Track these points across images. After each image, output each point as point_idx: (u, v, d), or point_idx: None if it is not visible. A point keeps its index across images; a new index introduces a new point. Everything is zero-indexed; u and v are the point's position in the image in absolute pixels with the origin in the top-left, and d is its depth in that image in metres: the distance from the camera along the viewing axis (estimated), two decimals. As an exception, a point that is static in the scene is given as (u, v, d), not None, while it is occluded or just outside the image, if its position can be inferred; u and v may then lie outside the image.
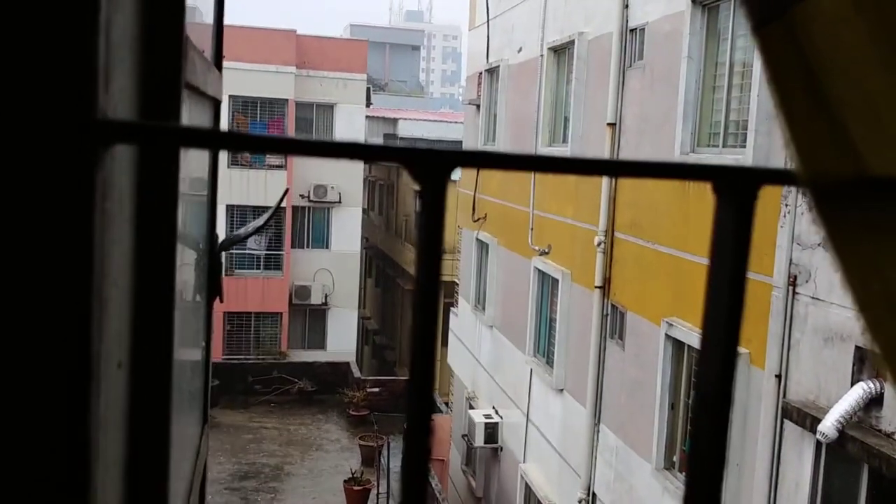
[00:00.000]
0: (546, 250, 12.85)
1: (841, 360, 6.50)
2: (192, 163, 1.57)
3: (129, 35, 0.72)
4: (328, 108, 27.69)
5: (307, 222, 27.88)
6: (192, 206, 1.65)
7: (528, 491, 13.46)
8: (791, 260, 7.10)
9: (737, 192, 0.55)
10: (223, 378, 23.56)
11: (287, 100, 26.67)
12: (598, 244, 10.84)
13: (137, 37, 0.77)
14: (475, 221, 16.42)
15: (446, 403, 20.86)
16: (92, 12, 0.54)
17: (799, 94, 0.51)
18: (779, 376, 7.20)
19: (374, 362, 30.92)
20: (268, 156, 26.46)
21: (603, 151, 10.84)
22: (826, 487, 6.73)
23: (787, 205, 7.19)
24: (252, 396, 24.48)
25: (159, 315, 0.89)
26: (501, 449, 14.99)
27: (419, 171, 0.50)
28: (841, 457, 6.47)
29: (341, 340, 27.90)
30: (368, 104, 28.87)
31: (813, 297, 6.86)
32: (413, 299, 0.50)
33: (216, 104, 1.96)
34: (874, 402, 6.15)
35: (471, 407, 16.45)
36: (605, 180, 10.72)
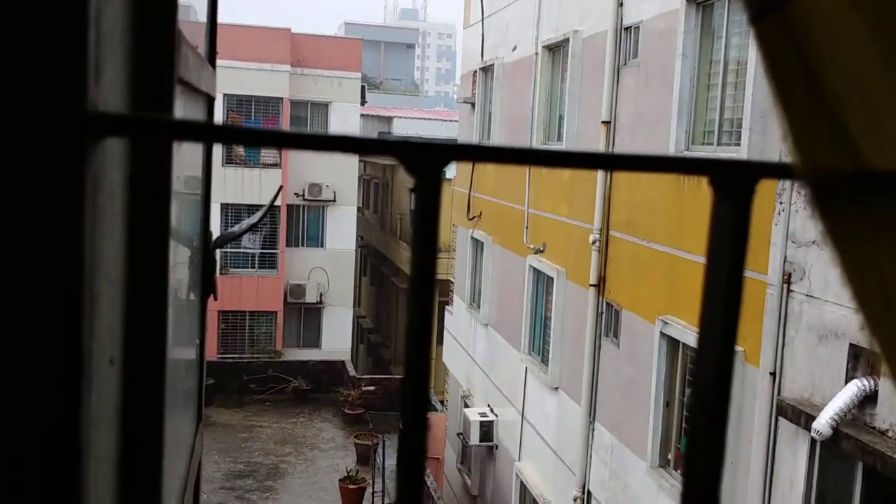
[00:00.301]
0: (541, 248, 12.85)
1: (835, 357, 6.51)
2: (186, 160, 1.56)
3: (120, 27, 0.71)
4: (323, 107, 27.67)
5: (302, 221, 27.85)
6: (186, 203, 1.64)
7: (524, 489, 13.47)
8: (786, 258, 7.11)
9: (734, 186, 0.55)
10: (218, 377, 23.53)
11: (282, 98, 26.65)
12: (593, 242, 10.84)
13: (129, 30, 0.76)
14: (470, 220, 16.42)
15: (441, 402, 20.87)
16: (82, 3, 0.54)
17: (797, 89, 0.50)
18: (773, 374, 7.22)
19: (369, 361, 30.91)
20: (262, 154, 26.45)
21: (597, 149, 10.85)
22: (821, 485, 6.74)
23: (781, 202, 7.20)
24: (247, 395, 24.46)
25: (152, 311, 0.88)
26: (496, 447, 15.00)
27: (414, 165, 0.50)
28: (835, 454, 6.49)
29: (336, 339, 27.89)
30: (363, 103, 28.86)
31: (807, 295, 6.87)
32: (408, 298, 0.50)
33: (210, 101, 1.96)
34: (868, 399, 6.16)
35: (466, 405, 16.45)
36: (599, 179, 10.73)
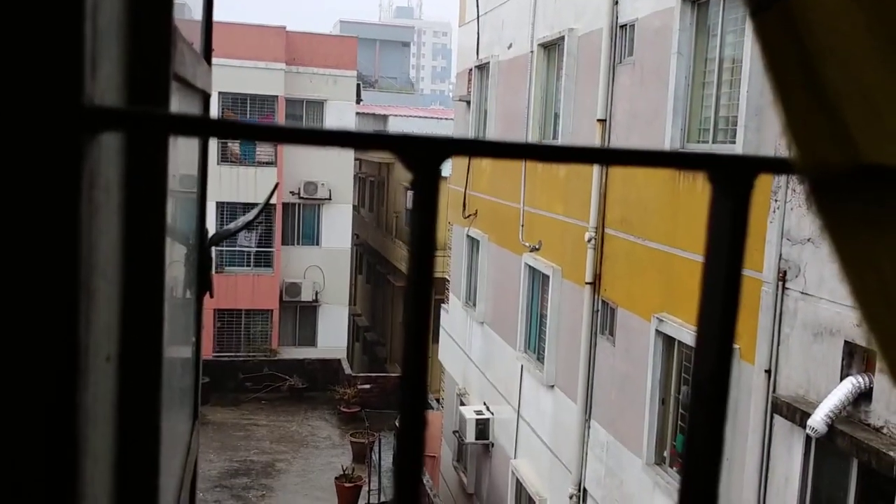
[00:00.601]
0: (537, 246, 12.86)
1: (830, 354, 6.53)
2: (182, 158, 1.56)
3: (116, 22, 0.71)
4: (318, 105, 27.65)
5: (298, 219, 27.84)
6: (182, 201, 1.64)
7: (520, 487, 13.48)
8: (781, 255, 7.12)
9: (733, 181, 0.55)
10: (214, 375, 23.51)
11: (277, 96, 26.63)
12: (589, 240, 10.85)
13: (125, 25, 0.76)
14: (466, 218, 16.42)
15: (437, 400, 20.88)
16: (78, -3, 0.53)
17: (796, 83, 0.50)
18: (769, 371, 7.23)
19: (365, 359, 30.91)
20: (258, 153, 26.41)
21: (600, 146, 10.83)
22: (816, 482, 6.76)
23: (776, 200, 7.21)
24: (243, 394, 24.45)
25: (149, 308, 0.88)
26: (492, 445, 15.01)
27: (412, 160, 0.50)
28: (830, 451, 6.50)
29: (332, 337, 27.89)
30: (358, 101, 28.84)
31: (802, 293, 6.89)
32: (405, 299, 0.50)
33: (205, 97, 1.95)
34: (863, 396, 6.18)
35: (462, 403, 16.46)
36: (595, 176, 10.74)
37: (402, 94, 65.50)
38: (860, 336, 6.07)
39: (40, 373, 0.54)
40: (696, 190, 8.43)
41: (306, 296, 27.34)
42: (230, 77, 25.05)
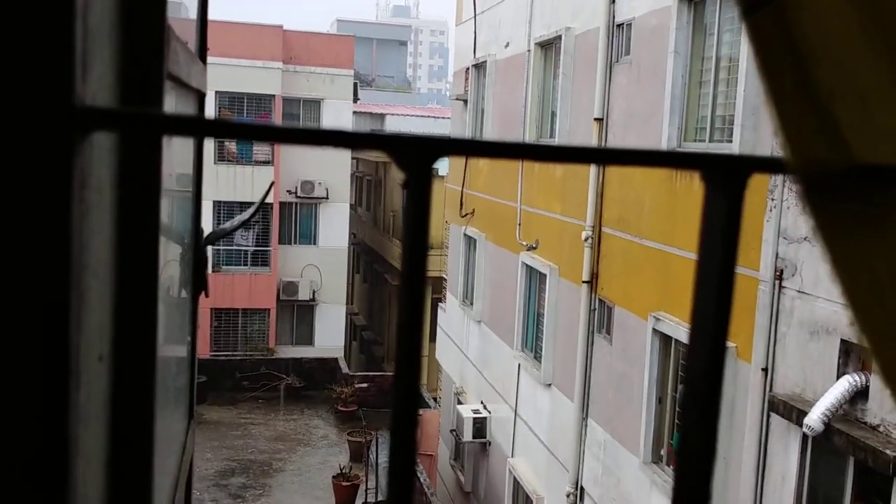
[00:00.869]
0: (534, 245, 12.87)
1: (827, 353, 6.54)
2: (177, 157, 1.56)
3: (108, 22, 0.71)
4: (315, 104, 27.64)
5: (294, 218, 27.83)
6: (177, 200, 1.63)
7: (517, 485, 13.49)
8: (777, 254, 7.13)
9: (727, 180, 0.55)
10: (211, 374, 23.50)
11: (274, 95, 26.61)
12: (586, 239, 10.85)
13: (117, 25, 0.76)
14: (463, 217, 16.42)
15: (434, 399, 20.88)
16: (68, -4, 0.53)
17: (789, 83, 0.50)
18: (765, 370, 7.24)
19: (362, 358, 30.91)
20: (254, 152, 26.40)
21: (594, 145, 10.84)
22: (812, 480, 6.77)
23: (773, 199, 7.22)
24: (240, 393, 24.43)
25: (142, 308, 0.88)
26: (490, 443, 15.02)
27: (405, 160, 0.50)
28: (827, 449, 6.52)
29: (329, 336, 27.88)
30: (355, 100, 28.83)
31: (799, 291, 6.90)
32: (399, 295, 0.50)
33: (201, 97, 1.95)
34: (860, 394, 6.19)
35: (459, 402, 16.46)
36: (592, 175, 10.74)
37: (399, 93, 65.48)
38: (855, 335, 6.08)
39: (31, 373, 0.54)
40: (693, 189, 8.44)
41: (303, 295, 27.33)
42: (227, 76, 25.03)
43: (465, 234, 16.57)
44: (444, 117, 32.03)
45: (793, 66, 0.48)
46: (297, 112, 27.53)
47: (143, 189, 0.84)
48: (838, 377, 6.33)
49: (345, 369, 25.35)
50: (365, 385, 23.66)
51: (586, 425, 11.08)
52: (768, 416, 7.18)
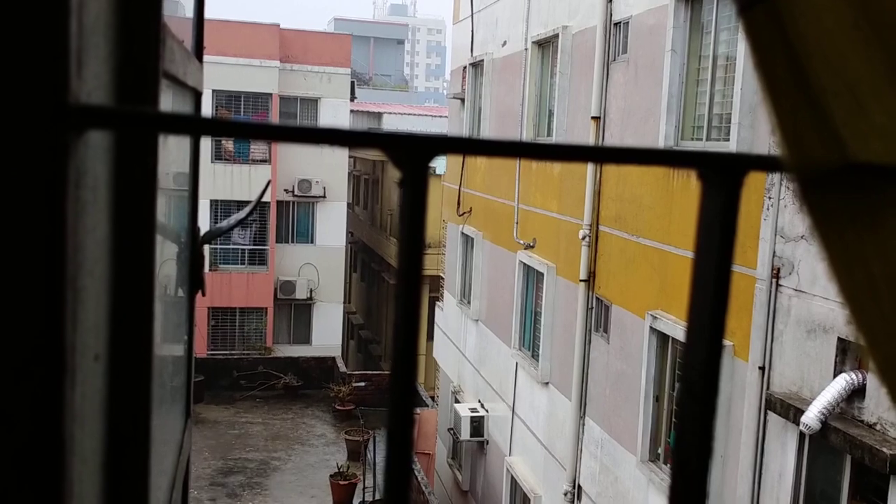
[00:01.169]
0: (531, 244, 12.87)
1: (824, 351, 6.55)
2: (173, 155, 1.55)
3: (103, 20, 0.71)
4: (312, 103, 27.63)
5: (292, 217, 27.82)
6: (174, 199, 1.63)
7: (514, 484, 13.50)
8: (774, 252, 7.14)
9: (723, 178, 0.55)
10: (208, 373, 23.49)
11: (271, 94, 26.59)
12: (583, 238, 10.86)
13: (112, 23, 0.75)
14: (460, 216, 16.42)
15: (432, 397, 20.89)
16: (62, -6, 0.53)
17: (784, 80, 0.50)
18: (762, 368, 7.25)
19: (360, 357, 30.91)
20: (252, 150, 26.38)
21: (591, 144, 10.84)
22: (809, 478, 6.78)
23: (770, 197, 7.23)
24: (237, 392, 24.43)
25: (138, 307, 0.87)
26: (487, 442, 15.03)
27: (400, 158, 0.50)
28: (824, 447, 6.52)
29: (327, 335, 27.88)
30: (353, 98, 28.82)
31: (796, 290, 6.90)
32: (395, 293, 0.50)
33: (197, 95, 1.95)
34: (856, 393, 6.19)
35: (456, 401, 16.47)
36: (589, 174, 10.75)
37: (397, 91, 65.49)
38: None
39: (26, 371, 0.54)
40: (690, 187, 8.44)
41: (301, 294, 27.33)
42: (224, 75, 25.02)
43: (462, 233, 16.57)
44: (441, 116, 32.03)
45: (788, 63, 0.48)
46: (295, 111, 27.52)
47: (139, 188, 0.84)
48: (835, 375, 6.34)
49: (342, 368, 25.35)
50: (362, 384, 23.66)
51: (584, 424, 11.09)
52: (765, 415, 7.19)
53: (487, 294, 15.31)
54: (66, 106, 0.52)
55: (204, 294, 2.12)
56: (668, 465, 9.16)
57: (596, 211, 10.74)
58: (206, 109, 25.23)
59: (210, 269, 25.34)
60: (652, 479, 9.15)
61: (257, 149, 26.44)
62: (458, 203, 16.43)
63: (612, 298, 10.37)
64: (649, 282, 9.37)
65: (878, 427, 6.05)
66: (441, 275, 18.82)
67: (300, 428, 22.58)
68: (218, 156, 26.07)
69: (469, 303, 16.24)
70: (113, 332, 0.82)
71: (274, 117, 26.56)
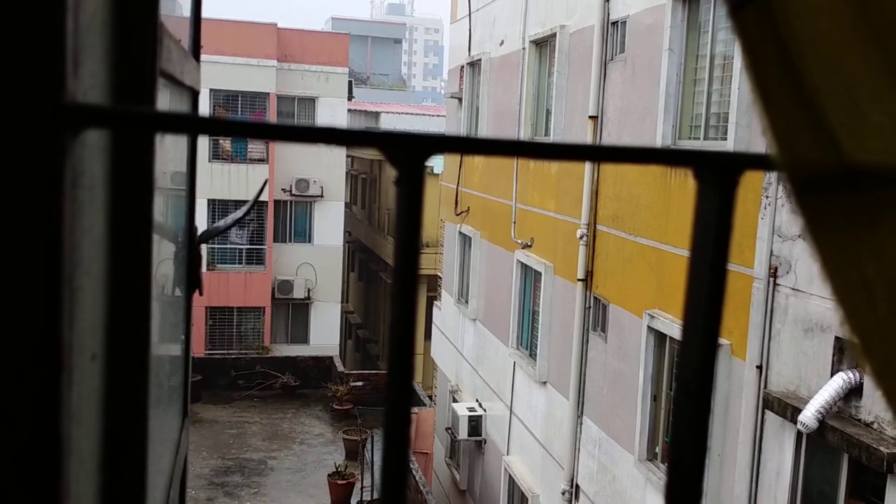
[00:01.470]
0: (529, 243, 12.87)
1: (821, 350, 6.55)
2: (170, 155, 1.55)
3: (99, 19, 0.71)
4: (310, 102, 27.61)
5: (289, 216, 27.80)
6: (171, 198, 1.63)
7: (512, 483, 13.50)
8: (772, 251, 7.14)
9: (719, 177, 0.55)
10: (206, 373, 23.47)
11: (268, 93, 26.57)
12: (581, 237, 10.87)
13: (109, 21, 0.75)
14: (458, 215, 16.42)
15: (430, 397, 20.89)
16: (59, -7, 0.53)
17: (777, 81, 0.50)
18: (760, 367, 7.26)
19: (358, 356, 30.91)
20: (249, 150, 26.36)
21: (588, 143, 10.84)
22: (807, 477, 6.79)
23: (767, 196, 7.23)
24: (235, 391, 24.41)
25: (135, 306, 0.87)
26: (485, 441, 15.03)
27: (396, 156, 0.50)
28: (821, 446, 6.53)
29: (324, 335, 27.87)
30: (350, 98, 28.81)
31: (793, 289, 6.91)
32: (392, 287, 0.50)
33: (194, 95, 1.95)
34: (854, 391, 6.20)
35: (454, 400, 16.47)
36: (587, 173, 10.75)
37: (394, 90, 65.45)
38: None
39: (23, 371, 0.54)
40: (688, 186, 8.45)
41: (298, 293, 27.32)
42: (222, 74, 25.00)
43: (460, 232, 16.57)
44: (438, 115, 32.04)
45: (781, 63, 0.48)
46: (292, 110, 27.50)
47: (136, 187, 0.84)
48: (832, 374, 6.35)
49: (340, 367, 25.34)
50: (360, 383, 23.65)
51: (581, 423, 11.09)
52: (763, 413, 7.20)
53: (485, 293, 15.31)
54: (62, 105, 0.52)
55: (201, 293, 2.12)
56: (666, 464, 9.16)
57: (593, 210, 10.74)
58: (204, 109, 25.23)
59: (208, 269, 25.33)
60: (649, 478, 9.16)
61: (255, 148, 26.42)
62: (456, 202, 16.43)
63: (610, 298, 10.37)
64: (647, 281, 9.38)
65: (875, 426, 6.06)
66: (439, 274, 18.82)
67: (298, 427, 22.57)
68: (215, 155, 26.05)
69: (467, 302, 16.24)
70: (110, 331, 0.82)
71: (271, 117, 26.55)
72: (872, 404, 6.09)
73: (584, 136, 10.92)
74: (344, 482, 18.16)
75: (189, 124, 0.55)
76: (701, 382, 0.53)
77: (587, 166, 10.42)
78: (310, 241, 27.92)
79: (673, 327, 8.70)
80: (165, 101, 1.29)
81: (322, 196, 27.48)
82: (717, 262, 0.53)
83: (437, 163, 19.13)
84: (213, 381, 23.84)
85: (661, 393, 9.28)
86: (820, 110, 0.48)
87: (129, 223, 0.83)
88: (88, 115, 0.53)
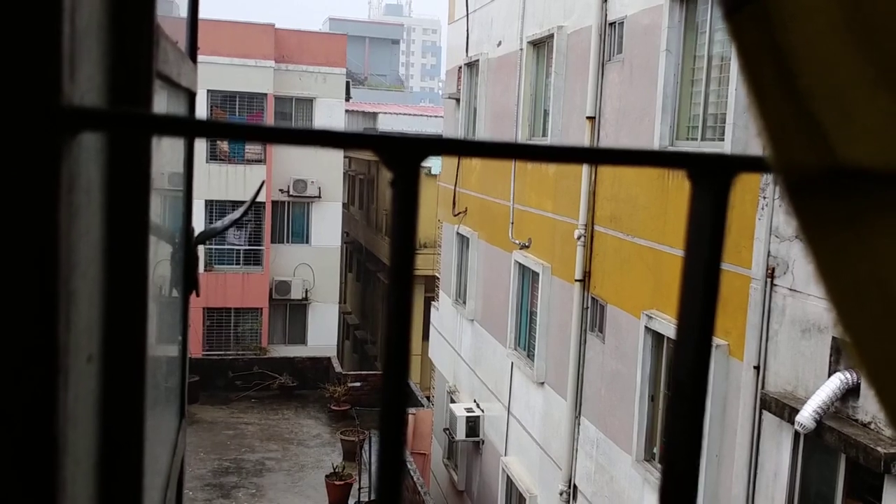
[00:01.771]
0: (526, 244, 12.88)
1: (818, 350, 6.56)
2: (167, 155, 1.56)
3: (96, 22, 0.71)
4: (307, 103, 27.61)
5: (287, 217, 27.80)
6: (168, 199, 1.63)
7: (510, 484, 13.51)
8: (769, 252, 7.15)
9: (712, 179, 0.55)
10: (203, 374, 23.46)
11: (266, 94, 26.58)
12: (578, 237, 10.87)
13: (105, 24, 0.76)
14: (456, 216, 16.43)
15: (428, 397, 20.88)
16: (55, -3, 0.53)
17: (770, 83, 0.50)
18: (757, 367, 7.26)
19: (355, 357, 30.90)
20: (247, 150, 26.36)
21: (582, 145, 10.86)
22: (804, 477, 6.79)
23: (764, 197, 7.24)
24: (233, 392, 24.40)
25: (132, 308, 0.88)
26: (483, 442, 15.03)
27: (391, 159, 0.50)
28: (819, 447, 6.54)
29: (322, 335, 27.87)
30: (348, 98, 28.81)
31: (791, 289, 6.92)
32: (387, 293, 0.50)
33: (191, 96, 1.95)
34: (851, 392, 6.21)
35: (452, 401, 16.47)
36: (584, 174, 10.76)
37: (392, 91, 65.46)
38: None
39: (19, 373, 0.54)
40: (685, 187, 8.38)
41: (296, 294, 27.31)
42: (219, 75, 25.00)
43: (457, 233, 16.58)
44: (436, 116, 32.05)
45: (775, 66, 0.49)
46: (290, 111, 27.51)
47: (133, 190, 0.84)
48: (830, 375, 6.36)
49: (338, 368, 25.33)
50: (358, 384, 23.64)
51: (579, 423, 11.10)
52: (760, 414, 7.21)
53: (483, 294, 15.32)
54: (58, 108, 0.52)
55: (198, 295, 2.12)
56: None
57: (591, 211, 10.75)
58: (202, 109, 25.23)
59: (205, 270, 25.32)
60: (647, 478, 9.16)
61: (252, 149, 26.42)
62: (454, 203, 16.43)
63: (608, 298, 10.38)
64: (644, 281, 9.39)
65: (872, 426, 6.06)
66: (437, 275, 18.82)
67: (296, 428, 22.57)
68: (213, 156, 26.05)
69: (465, 303, 16.24)
70: (106, 333, 0.83)
71: (269, 117, 26.55)
72: (870, 405, 6.10)
73: (582, 136, 10.93)
74: (342, 483, 18.15)
75: (185, 127, 0.56)
76: (695, 384, 0.54)
77: (585, 167, 10.43)
78: (307, 242, 27.92)
79: (670, 328, 8.70)
80: (162, 102, 1.29)
81: (320, 197, 27.48)
82: (710, 264, 0.53)
83: (434, 163, 19.14)
84: (210, 381, 23.83)
85: (659, 393, 9.29)
86: (814, 112, 0.48)
87: (125, 225, 0.83)
88: (85, 118, 0.53)
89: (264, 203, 26.22)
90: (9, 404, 0.54)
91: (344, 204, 29.96)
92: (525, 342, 13.35)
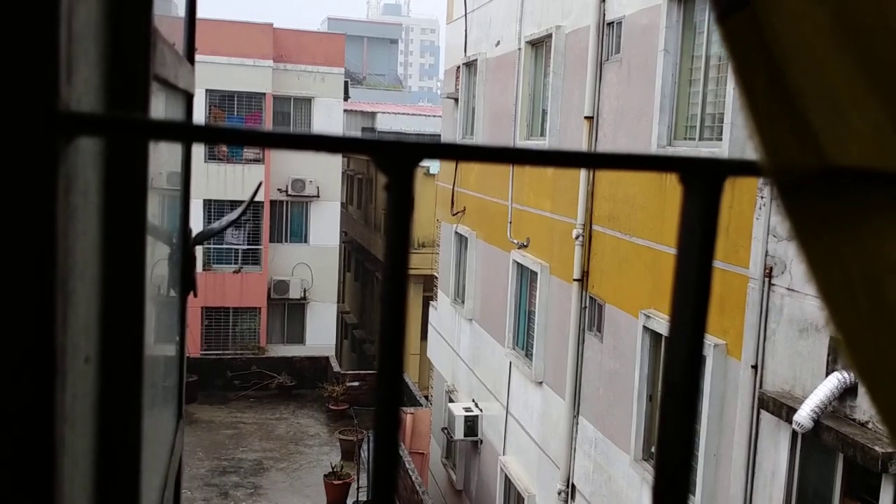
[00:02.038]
0: (525, 243, 12.88)
1: (816, 350, 6.57)
2: (166, 156, 1.56)
3: (93, 26, 0.71)
4: (306, 102, 27.59)
5: (285, 217, 27.78)
6: (165, 199, 1.64)
7: (508, 483, 13.51)
8: (767, 251, 7.16)
9: (704, 183, 0.56)
10: (202, 374, 23.44)
11: (264, 94, 26.55)
12: (577, 237, 10.88)
13: (102, 28, 0.76)
14: (454, 215, 16.43)
15: (426, 397, 20.88)
16: (52, 1, 0.54)
17: (762, 86, 0.51)
18: (755, 367, 7.27)
19: (354, 356, 30.88)
20: (245, 150, 26.34)
21: (580, 145, 10.88)
22: (802, 476, 6.80)
23: (762, 197, 7.25)
24: (231, 392, 24.38)
25: (129, 308, 0.88)
26: (481, 442, 15.04)
27: (386, 163, 0.50)
28: (816, 446, 6.55)
29: (320, 335, 27.85)
30: (346, 98, 28.78)
31: (788, 289, 6.93)
32: (381, 293, 0.50)
33: (188, 98, 1.95)
34: (849, 391, 6.22)
35: (450, 400, 16.48)
36: (582, 174, 10.77)
37: (390, 91, 65.40)
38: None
39: (17, 374, 0.54)
40: (683, 187, 8.45)
41: (294, 293, 27.29)
42: (217, 74, 24.97)
43: (456, 233, 16.58)
44: (434, 115, 32.03)
45: (766, 70, 0.49)
46: (288, 110, 27.49)
47: (130, 192, 0.84)
48: (827, 374, 6.36)
49: (336, 368, 25.32)
50: (356, 383, 23.64)
51: (577, 423, 11.10)
52: (758, 413, 7.21)
53: (481, 293, 15.32)
54: (55, 113, 0.53)
55: (196, 295, 2.13)
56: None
57: (589, 210, 10.76)
58: (200, 109, 25.21)
59: (203, 269, 25.30)
60: (645, 477, 9.17)
61: (251, 149, 26.40)
62: (452, 202, 16.43)
63: (606, 298, 10.39)
64: (642, 281, 9.39)
65: (870, 425, 6.07)
66: (435, 274, 18.82)
67: (294, 428, 22.56)
68: (211, 155, 26.02)
69: (463, 302, 16.24)
70: (104, 334, 0.83)
71: (267, 117, 26.54)
72: (867, 404, 6.10)
73: (580, 136, 10.93)
74: (340, 482, 18.15)
75: (182, 132, 0.56)
76: (686, 384, 0.54)
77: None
78: (306, 242, 27.90)
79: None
80: (160, 105, 1.30)
81: (318, 196, 27.47)
82: (702, 266, 0.54)
83: (433, 163, 19.14)
84: (209, 381, 23.82)
85: (657, 393, 9.29)
86: (804, 115, 0.49)
87: (122, 227, 0.84)
88: (81, 123, 0.53)
89: (263, 203, 26.20)
90: (7, 405, 0.54)
91: (342, 203, 29.95)
92: (523, 342, 13.35)
